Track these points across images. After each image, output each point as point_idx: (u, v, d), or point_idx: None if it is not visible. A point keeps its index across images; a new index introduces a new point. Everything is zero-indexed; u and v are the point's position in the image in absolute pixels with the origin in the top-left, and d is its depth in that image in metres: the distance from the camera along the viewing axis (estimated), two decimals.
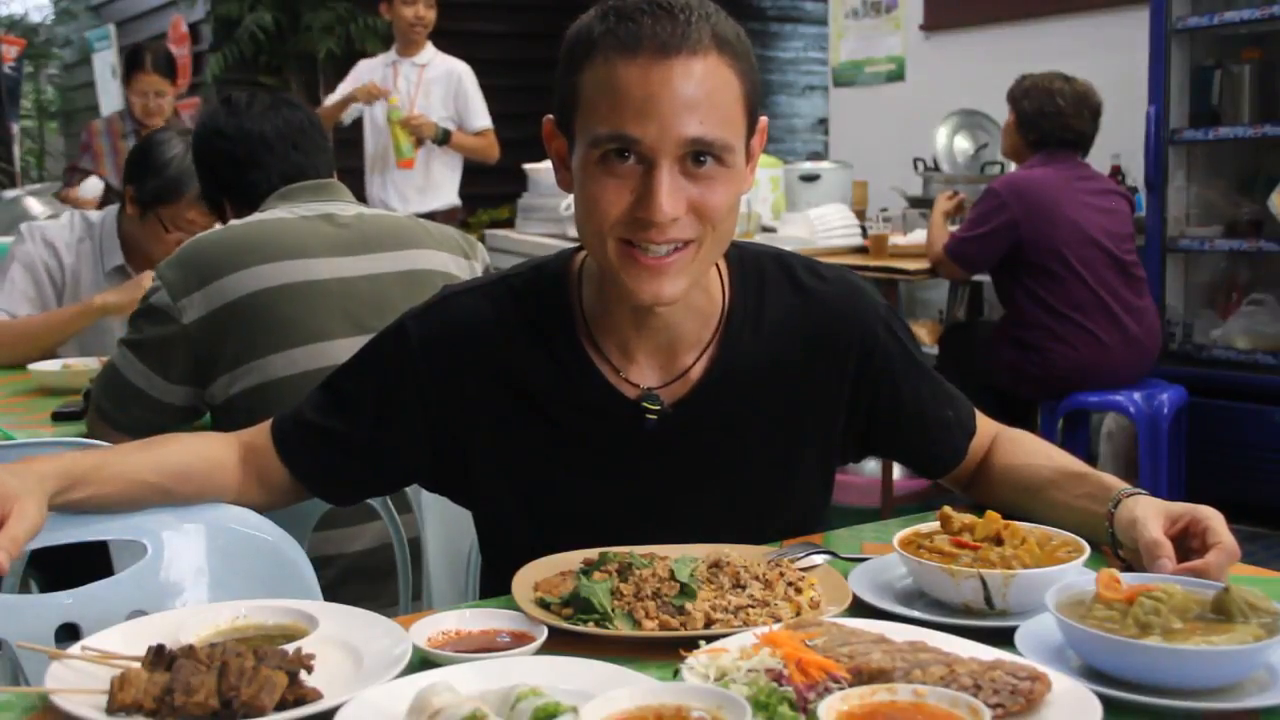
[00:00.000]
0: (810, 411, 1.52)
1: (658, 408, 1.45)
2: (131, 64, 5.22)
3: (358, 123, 5.50)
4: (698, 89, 1.29)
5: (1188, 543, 1.30)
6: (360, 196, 3.12)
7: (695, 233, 1.34)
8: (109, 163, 5.23)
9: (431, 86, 5.39)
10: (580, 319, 1.47)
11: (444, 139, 5.34)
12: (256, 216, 2.19)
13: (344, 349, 1.59)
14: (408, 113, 5.29)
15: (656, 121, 1.29)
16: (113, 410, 2.12)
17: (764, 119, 1.41)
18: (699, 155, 1.31)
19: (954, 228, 4.42)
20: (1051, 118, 4.07)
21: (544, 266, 1.52)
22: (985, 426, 1.62)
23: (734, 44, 1.34)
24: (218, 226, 2.27)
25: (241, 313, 2.04)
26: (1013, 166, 4.43)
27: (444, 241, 2.25)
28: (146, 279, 2.70)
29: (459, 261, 2.24)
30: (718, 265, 1.48)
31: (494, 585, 1.49)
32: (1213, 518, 1.30)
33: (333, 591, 1.53)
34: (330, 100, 5.47)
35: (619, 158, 1.31)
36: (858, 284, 1.57)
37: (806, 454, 1.53)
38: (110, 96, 8.94)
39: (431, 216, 4.66)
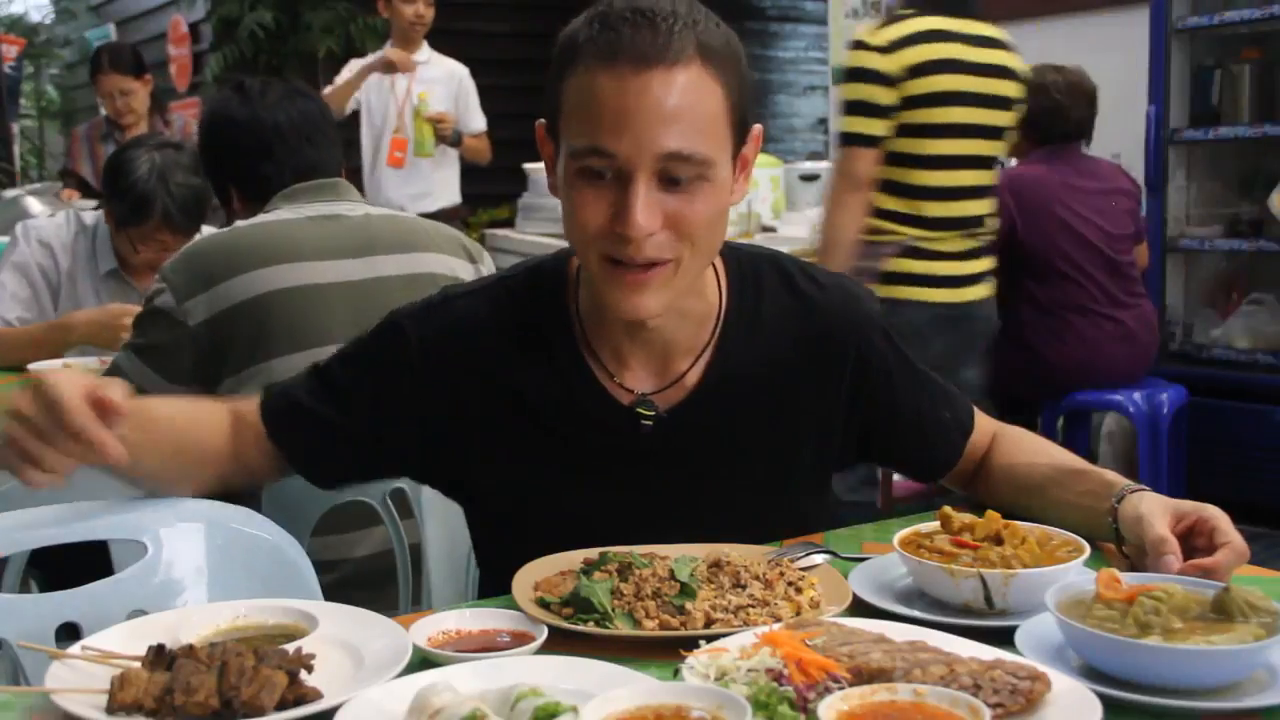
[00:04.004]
0: (807, 418, 1.51)
1: (652, 414, 1.45)
2: (92, 68, 5.20)
3: (354, 119, 5.46)
4: (676, 101, 1.27)
5: (1193, 541, 1.30)
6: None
7: (673, 252, 1.32)
8: (87, 166, 5.23)
9: (434, 86, 5.38)
10: (577, 324, 1.47)
11: (457, 140, 5.36)
12: (261, 218, 2.19)
13: None
14: (435, 111, 5.30)
15: (631, 135, 1.27)
16: None
17: (758, 126, 1.39)
18: (677, 169, 1.29)
19: None
20: (1051, 114, 4.07)
21: (540, 268, 1.52)
22: (984, 424, 1.62)
23: (720, 52, 1.31)
24: (216, 230, 2.25)
25: (246, 316, 2.04)
26: (1012, 162, 4.44)
27: (448, 245, 2.25)
28: (118, 309, 2.72)
29: (464, 265, 2.23)
30: (714, 266, 1.47)
31: (491, 592, 1.48)
32: (1219, 517, 1.30)
33: (333, 597, 1.53)
34: (342, 78, 5.33)
35: (597, 170, 1.30)
36: (854, 290, 1.56)
37: (803, 460, 1.53)
38: None
39: (436, 215, 4.67)
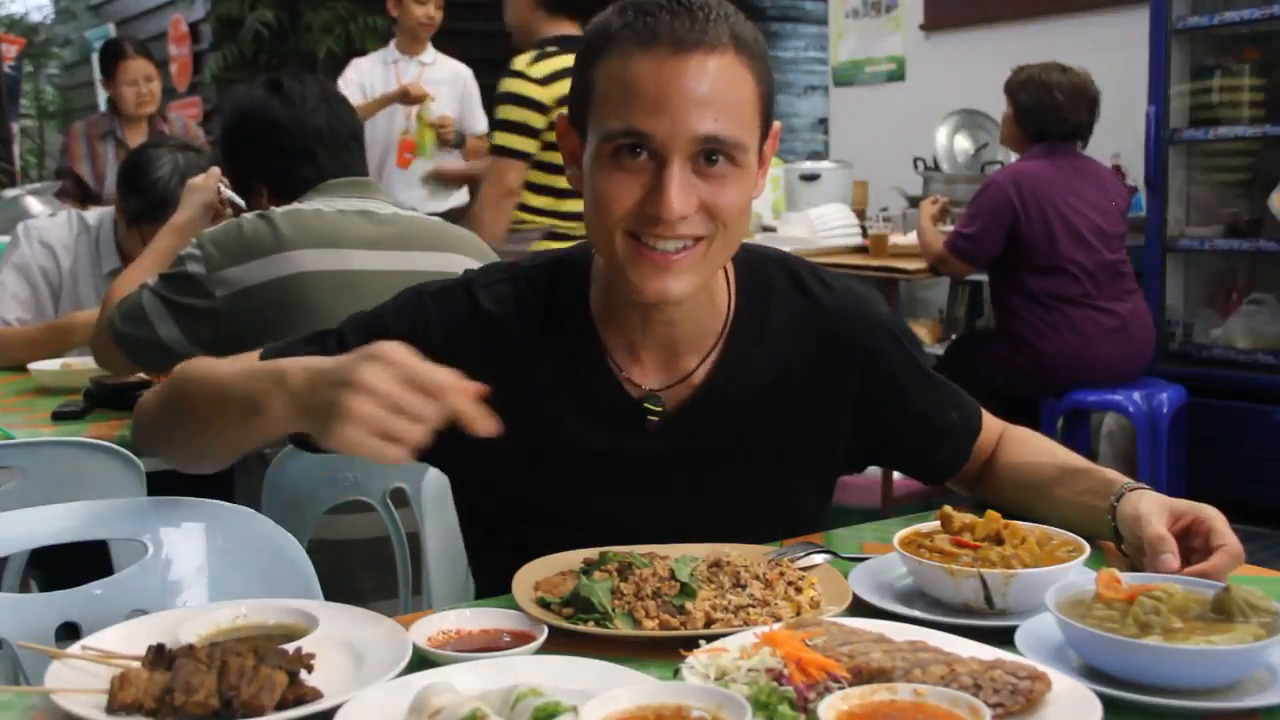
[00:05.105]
0: (813, 420, 1.51)
1: (659, 409, 1.45)
2: (114, 56, 5.18)
3: None
4: (713, 86, 1.29)
5: (1189, 542, 1.30)
6: None
7: (706, 230, 1.33)
8: (85, 165, 5.23)
9: (440, 87, 5.37)
10: (592, 315, 1.46)
11: (461, 142, 5.36)
12: (295, 206, 2.22)
13: None
14: (438, 114, 5.28)
15: (669, 117, 1.28)
16: (125, 342, 2.18)
17: (777, 124, 1.41)
18: (711, 153, 1.30)
19: (945, 228, 4.46)
20: (1049, 112, 4.08)
21: (563, 260, 1.51)
22: (991, 425, 1.62)
23: (751, 45, 1.33)
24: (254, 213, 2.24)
25: (272, 294, 2.08)
26: (1013, 157, 4.45)
27: (474, 249, 2.29)
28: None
29: None
30: (724, 267, 1.47)
31: (489, 590, 1.47)
32: (1216, 518, 1.30)
33: (336, 579, 1.53)
34: (368, 101, 5.27)
35: (630, 153, 1.30)
36: (863, 295, 1.56)
37: (808, 463, 1.52)
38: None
39: (445, 215, 4.71)
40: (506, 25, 4.12)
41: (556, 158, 3.76)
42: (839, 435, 1.53)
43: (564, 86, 3.83)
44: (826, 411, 1.51)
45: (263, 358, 1.44)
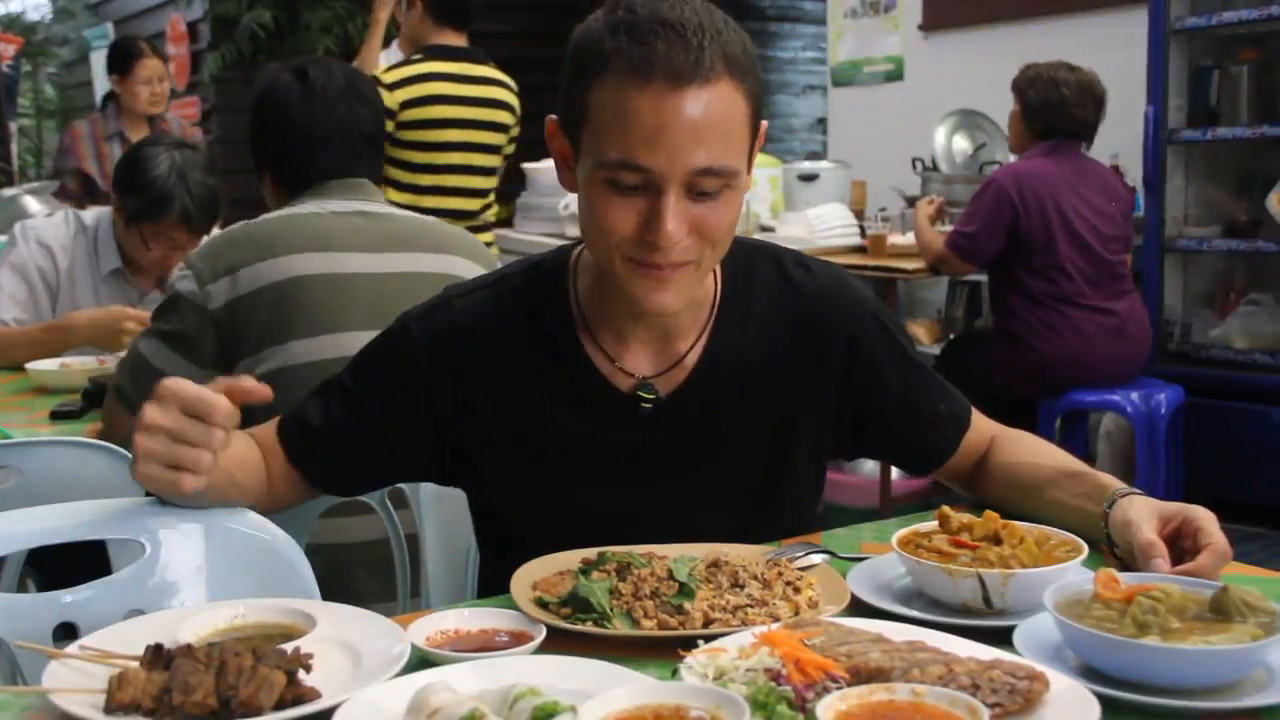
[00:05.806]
0: (801, 402, 1.53)
1: (653, 397, 1.47)
2: (130, 55, 5.18)
3: None
4: (707, 118, 1.30)
5: (1180, 543, 1.30)
6: None
7: (696, 255, 1.36)
8: (92, 164, 5.22)
9: None
10: (576, 312, 1.49)
11: None
12: (287, 210, 2.20)
13: (366, 342, 1.60)
14: None
15: (666, 151, 1.29)
16: (137, 397, 2.13)
17: (764, 123, 1.42)
18: (706, 183, 1.32)
19: (942, 228, 4.46)
20: (1056, 108, 4.09)
21: (542, 264, 1.54)
22: (983, 424, 1.63)
23: (742, 61, 1.34)
24: (244, 222, 2.24)
25: (266, 299, 2.06)
26: (1013, 158, 4.45)
27: (469, 249, 2.28)
28: (119, 311, 2.73)
29: (482, 271, 2.25)
30: None
31: (494, 579, 1.49)
32: (1204, 518, 1.30)
33: (336, 581, 1.53)
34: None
35: (627, 182, 1.32)
36: (846, 279, 1.58)
37: (799, 447, 1.54)
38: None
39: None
40: (400, 34, 4.39)
41: (414, 156, 4.12)
42: (826, 417, 1.55)
43: (410, 91, 4.07)
44: (812, 392, 1.53)
45: (280, 425, 1.53)
